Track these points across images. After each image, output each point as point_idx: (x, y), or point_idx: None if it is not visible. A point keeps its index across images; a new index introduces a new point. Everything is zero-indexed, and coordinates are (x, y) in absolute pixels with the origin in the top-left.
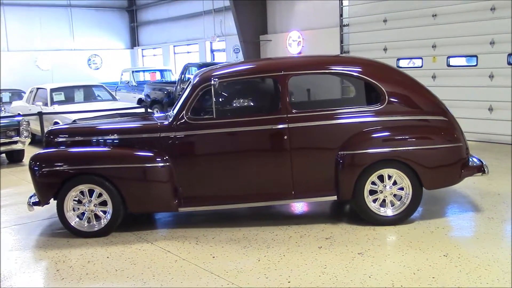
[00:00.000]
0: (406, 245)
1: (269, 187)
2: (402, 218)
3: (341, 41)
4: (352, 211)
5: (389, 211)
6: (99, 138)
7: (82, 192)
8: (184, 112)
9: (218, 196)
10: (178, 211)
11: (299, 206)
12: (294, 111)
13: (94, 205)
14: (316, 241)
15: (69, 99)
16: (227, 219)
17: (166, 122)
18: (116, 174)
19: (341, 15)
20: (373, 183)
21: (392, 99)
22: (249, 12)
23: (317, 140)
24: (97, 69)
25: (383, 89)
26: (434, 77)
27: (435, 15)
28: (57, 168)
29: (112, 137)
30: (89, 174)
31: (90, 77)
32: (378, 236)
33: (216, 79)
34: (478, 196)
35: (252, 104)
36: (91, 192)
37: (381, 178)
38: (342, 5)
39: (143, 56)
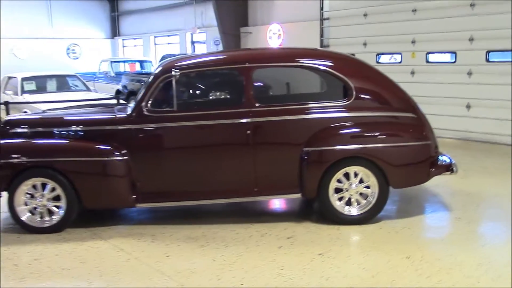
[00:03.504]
0: (369, 246)
1: (231, 184)
2: (367, 218)
3: (321, 35)
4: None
5: (354, 210)
6: (58, 130)
7: (34, 186)
8: (143, 104)
9: (177, 192)
10: (135, 207)
11: (265, 203)
12: (258, 105)
13: (47, 200)
14: (277, 240)
15: (41, 89)
16: (188, 215)
17: (124, 114)
18: (70, 168)
19: (321, 9)
20: (339, 181)
21: (360, 95)
22: (230, 3)
23: (281, 135)
24: (76, 58)
25: (350, 84)
26: (413, 73)
27: (415, 10)
28: (8, 160)
29: (71, 129)
30: (42, 167)
31: (68, 67)
32: (341, 236)
33: (177, 70)
34: (449, 195)
35: (215, 97)
36: (44, 186)
37: (347, 176)
38: None
39: (123, 46)
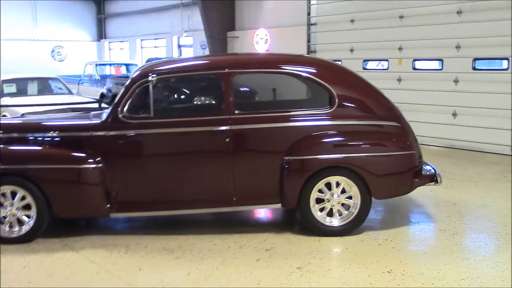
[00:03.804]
0: (350, 259)
1: (209, 193)
2: (349, 229)
3: (308, 40)
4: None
5: (335, 221)
6: (33, 135)
7: (4, 194)
8: (119, 109)
9: (153, 202)
10: (109, 217)
11: (246, 212)
12: (237, 112)
13: (16, 209)
14: (255, 252)
15: (22, 92)
16: (166, 225)
17: (99, 120)
18: (41, 176)
19: (308, 14)
20: (320, 191)
21: (343, 103)
22: (217, 7)
23: (261, 144)
24: (61, 61)
25: (333, 91)
26: (399, 80)
27: (402, 16)
28: None
29: (46, 135)
30: (12, 174)
31: (53, 69)
32: (322, 248)
33: (155, 75)
34: (433, 205)
35: (194, 103)
36: (14, 194)
37: (329, 186)
38: (310, 3)
39: (110, 49)
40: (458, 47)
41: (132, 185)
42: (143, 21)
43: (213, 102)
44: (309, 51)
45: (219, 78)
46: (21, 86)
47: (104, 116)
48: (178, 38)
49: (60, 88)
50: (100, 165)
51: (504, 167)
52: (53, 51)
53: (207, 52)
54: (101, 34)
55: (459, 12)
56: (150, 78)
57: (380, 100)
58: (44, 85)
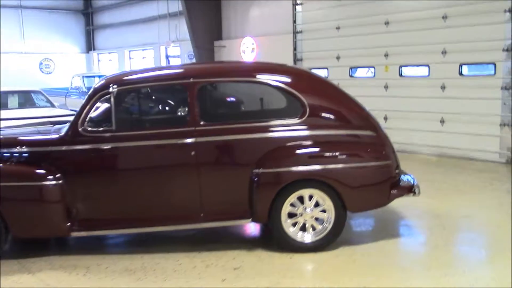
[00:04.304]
0: (322, 278)
1: (175, 209)
2: (323, 245)
3: (295, 48)
4: None
5: (307, 237)
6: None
7: None
8: (79, 123)
9: (117, 220)
10: (70, 236)
11: (217, 228)
12: (203, 123)
13: None
14: (222, 272)
15: (2, 105)
16: (131, 243)
17: (58, 135)
18: None
19: (294, 21)
20: (293, 205)
21: (314, 112)
22: (203, 16)
23: (229, 156)
24: (49, 73)
25: (304, 100)
26: (386, 87)
27: (388, 22)
28: None
29: (9, 151)
30: None
31: (41, 82)
32: (294, 266)
33: (116, 86)
34: (415, 217)
35: (158, 115)
36: None
37: (302, 199)
38: (295, 11)
39: (98, 61)
40: (444, 52)
41: (93, 202)
42: (131, 32)
43: (178, 113)
44: (295, 59)
45: (184, 88)
46: (2, 99)
47: (64, 130)
48: (166, 48)
49: (44, 101)
50: (60, 181)
51: (492, 175)
52: (41, 63)
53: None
54: (89, 46)
55: (444, 17)
56: (111, 89)
57: (354, 109)
58: (26, 98)
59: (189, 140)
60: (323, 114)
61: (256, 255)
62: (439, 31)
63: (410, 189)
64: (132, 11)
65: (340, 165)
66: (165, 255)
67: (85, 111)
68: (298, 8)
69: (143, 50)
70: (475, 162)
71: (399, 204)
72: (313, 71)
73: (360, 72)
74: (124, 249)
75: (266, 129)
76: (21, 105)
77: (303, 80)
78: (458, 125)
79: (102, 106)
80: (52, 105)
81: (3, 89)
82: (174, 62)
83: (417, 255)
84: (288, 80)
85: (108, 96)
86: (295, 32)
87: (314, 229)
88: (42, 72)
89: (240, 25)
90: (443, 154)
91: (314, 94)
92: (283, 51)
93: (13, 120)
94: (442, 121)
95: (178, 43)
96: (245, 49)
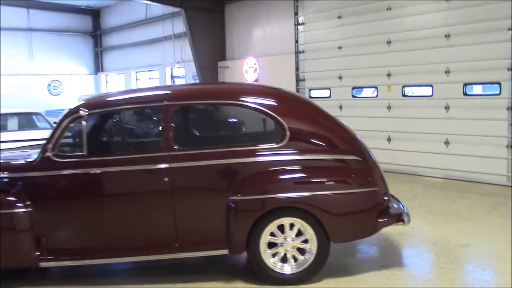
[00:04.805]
0: None
1: (148, 239)
2: (305, 277)
3: (297, 68)
4: None
5: (287, 269)
6: None
7: None
8: (49, 148)
9: (88, 249)
10: (39, 266)
11: (195, 258)
12: (177, 148)
13: None
14: None
15: (2, 127)
16: (103, 273)
17: (28, 160)
18: None
19: (296, 41)
20: (273, 234)
21: (296, 136)
22: (206, 38)
23: (204, 182)
24: (57, 94)
25: (284, 124)
26: (389, 107)
27: (390, 42)
28: None
29: None
30: None
31: (49, 103)
32: None
33: (86, 110)
34: (410, 246)
35: (131, 139)
36: None
37: (282, 228)
38: (298, 31)
39: (106, 82)
40: (447, 72)
41: (63, 231)
42: (137, 53)
43: (152, 138)
44: (297, 80)
45: (157, 111)
46: (2, 121)
47: (34, 156)
48: (171, 69)
49: (43, 123)
50: (29, 209)
51: (497, 199)
52: (49, 85)
53: None
54: (98, 67)
55: (447, 36)
56: (81, 113)
57: (339, 133)
58: (26, 120)
59: (162, 166)
60: (305, 138)
61: (233, 286)
62: (442, 50)
63: (399, 218)
64: (138, 33)
65: (321, 192)
66: (137, 286)
67: (56, 135)
68: (300, 28)
69: (149, 71)
70: (481, 185)
71: (395, 231)
72: (315, 91)
73: (363, 92)
74: (94, 280)
75: (243, 154)
76: (21, 127)
77: (284, 102)
78: (463, 146)
79: (72, 131)
80: (52, 127)
81: (3, 111)
82: (180, 82)
83: None
84: (267, 102)
85: (79, 120)
86: (297, 52)
87: (296, 260)
88: (51, 93)
89: (243, 46)
90: (448, 176)
91: (296, 117)
92: (285, 71)
93: (10, 143)
94: (446, 143)
95: (183, 63)
96: (247, 69)
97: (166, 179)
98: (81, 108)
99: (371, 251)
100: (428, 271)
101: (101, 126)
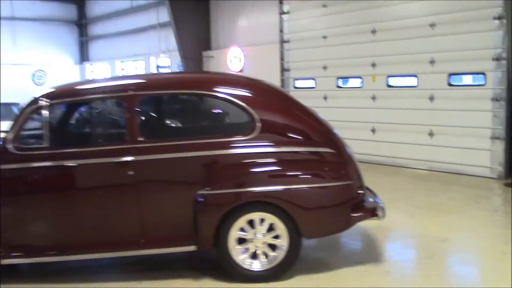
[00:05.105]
0: None
1: (113, 235)
2: (276, 274)
3: (282, 58)
4: None
5: (257, 265)
6: None
7: None
8: (9, 139)
9: (49, 246)
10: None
11: (164, 255)
12: (142, 140)
13: None
14: None
15: None
16: (66, 272)
17: None
18: None
19: (281, 31)
20: (243, 229)
21: (267, 127)
22: (191, 27)
23: (171, 176)
24: (41, 84)
25: (255, 115)
26: (374, 98)
27: (375, 31)
28: None
29: None
30: None
31: (33, 93)
32: None
33: (48, 100)
34: (388, 240)
35: (95, 131)
36: None
37: (253, 223)
38: (282, 19)
39: (91, 71)
40: (432, 62)
41: (24, 227)
42: (122, 42)
43: (116, 129)
44: (282, 69)
45: (122, 102)
46: None
47: None
48: (156, 59)
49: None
50: None
51: (480, 192)
52: (33, 75)
53: None
54: (83, 57)
55: (432, 25)
56: (42, 103)
57: (313, 125)
58: (6, 111)
59: (126, 159)
60: (277, 130)
61: (202, 285)
62: (427, 40)
63: (373, 212)
64: (124, 22)
65: (292, 186)
66: (102, 284)
67: (15, 127)
68: (285, 17)
69: (134, 61)
70: (465, 177)
71: (373, 225)
72: (300, 81)
73: (347, 83)
74: (58, 277)
75: (211, 147)
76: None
77: (256, 93)
78: (447, 138)
79: (33, 122)
80: None
81: None
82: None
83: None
84: (238, 93)
85: (40, 110)
86: (282, 42)
87: (266, 256)
88: (35, 83)
89: (228, 35)
90: (432, 168)
91: (268, 109)
92: (270, 61)
93: None
94: (431, 134)
95: (168, 53)
96: (232, 59)
97: (130, 172)
98: (41, 98)
99: (347, 246)
100: (403, 266)
101: (65, 117)
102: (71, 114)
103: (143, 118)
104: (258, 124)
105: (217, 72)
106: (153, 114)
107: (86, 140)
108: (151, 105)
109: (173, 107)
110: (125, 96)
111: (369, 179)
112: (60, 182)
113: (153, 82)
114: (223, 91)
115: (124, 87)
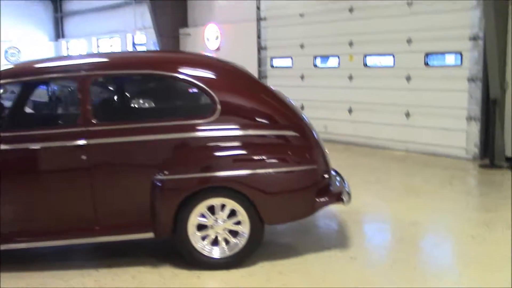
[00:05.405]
0: None
1: (64, 222)
2: (237, 261)
3: (259, 36)
4: None
5: (217, 252)
6: None
7: None
8: None
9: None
10: None
11: (122, 241)
12: (96, 122)
13: None
14: None
15: None
16: (21, 260)
17: None
18: None
19: (258, 8)
20: (204, 216)
21: (227, 110)
22: (166, 4)
23: (126, 160)
24: (15, 62)
25: (215, 96)
26: (351, 77)
27: (352, 9)
28: None
29: None
30: None
31: None
32: (199, 287)
33: None
34: (358, 224)
35: (46, 113)
36: None
37: (213, 209)
38: None
39: (67, 49)
40: (409, 41)
41: None
42: (98, 19)
43: (68, 111)
44: (259, 48)
45: (75, 82)
46: None
47: None
48: (132, 36)
49: None
50: None
51: (455, 173)
52: (6, 52)
53: None
54: (58, 34)
55: (409, 4)
56: None
57: (276, 107)
58: None
59: (79, 142)
60: (238, 112)
61: (160, 273)
62: (404, 19)
63: (339, 197)
64: None
65: (253, 171)
66: (56, 273)
67: None
68: None
69: (110, 38)
70: (441, 158)
71: (344, 208)
72: (277, 60)
73: (326, 62)
74: (12, 266)
75: (169, 130)
76: None
77: (218, 74)
78: (423, 118)
79: None
80: None
81: None
82: (141, 50)
83: (343, 274)
84: (198, 74)
85: None
86: (259, 19)
87: (228, 243)
88: (8, 60)
89: (205, 12)
90: (409, 149)
91: (229, 90)
92: (247, 39)
93: None
94: (407, 114)
95: (144, 30)
96: (209, 36)
97: (83, 157)
98: None
99: (316, 231)
100: (371, 251)
101: (18, 98)
102: (23, 94)
103: (97, 99)
104: (219, 107)
105: (183, 51)
106: (108, 96)
107: (38, 122)
108: (106, 86)
109: (130, 88)
110: (77, 76)
111: (345, 160)
112: (8, 167)
113: (108, 62)
114: (182, 72)
115: (77, 67)
